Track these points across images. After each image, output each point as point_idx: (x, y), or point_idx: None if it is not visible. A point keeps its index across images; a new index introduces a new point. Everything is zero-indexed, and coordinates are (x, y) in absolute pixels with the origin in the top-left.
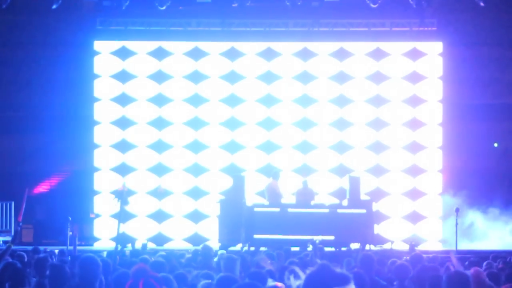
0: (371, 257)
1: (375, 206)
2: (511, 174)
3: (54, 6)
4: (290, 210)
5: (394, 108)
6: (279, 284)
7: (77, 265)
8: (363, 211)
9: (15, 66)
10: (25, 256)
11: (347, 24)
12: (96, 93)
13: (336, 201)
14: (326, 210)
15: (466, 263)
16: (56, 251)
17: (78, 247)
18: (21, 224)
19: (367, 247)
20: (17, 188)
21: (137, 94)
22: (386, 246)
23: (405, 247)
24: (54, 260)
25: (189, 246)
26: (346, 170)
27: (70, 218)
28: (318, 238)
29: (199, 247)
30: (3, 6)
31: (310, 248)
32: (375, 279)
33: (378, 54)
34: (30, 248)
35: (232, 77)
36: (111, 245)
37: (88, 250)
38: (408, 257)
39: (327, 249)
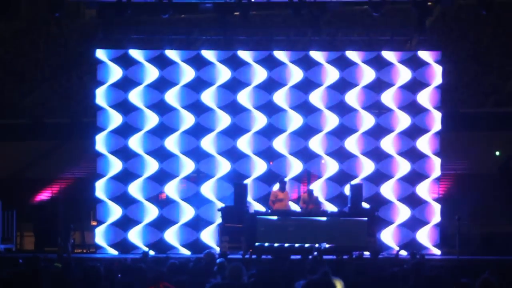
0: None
1: (377, 214)
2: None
3: (56, 14)
4: (292, 218)
5: (394, 116)
6: None
7: (79, 272)
8: (365, 219)
9: (18, 74)
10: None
11: (348, 33)
12: (98, 101)
13: (335, 208)
14: (328, 218)
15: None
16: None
17: (80, 255)
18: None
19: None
20: (19, 196)
21: (139, 102)
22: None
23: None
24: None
25: (189, 254)
26: (346, 177)
27: (72, 226)
28: (324, 245)
29: (202, 255)
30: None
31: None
32: None
33: (378, 62)
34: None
35: (234, 85)
36: (112, 252)
37: (89, 258)
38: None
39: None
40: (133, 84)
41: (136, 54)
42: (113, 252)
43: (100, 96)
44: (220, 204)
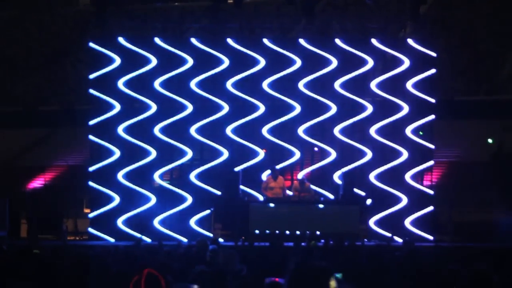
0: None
1: (369, 202)
2: (504, 171)
3: (51, 2)
4: (285, 205)
5: (388, 105)
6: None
7: (69, 260)
8: (357, 206)
9: (12, 62)
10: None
11: (341, 21)
12: (92, 89)
13: (330, 195)
14: (320, 206)
15: None
16: None
17: (72, 242)
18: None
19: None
20: (12, 184)
21: (134, 92)
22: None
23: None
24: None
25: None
26: (340, 164)
27: (64, 213)
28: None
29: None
30: None
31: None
32: None
33: (371, 50)
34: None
35: (227, 72)
36: (106, 240)
37: (82, 245)
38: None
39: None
40: (126, 71)
41: (128, 41)
42: (108, 238)
43: (94, 85)
44: (214, 191)
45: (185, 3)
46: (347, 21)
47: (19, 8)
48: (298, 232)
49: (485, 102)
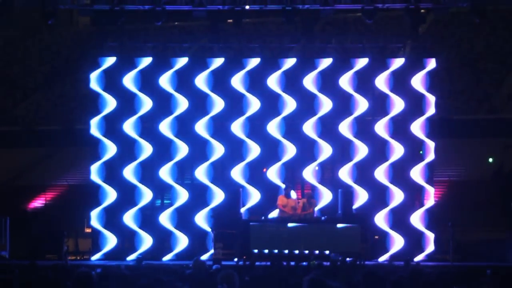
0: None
1: (369, 220)
2: (505, 189)
3: (49, 22)
4: (286, 224)
5: (388, 121)
6: None
7: (71, 280)
8: (358, 225)
9: (11, 82)
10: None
11: (341, 40)
12: (92, 108)
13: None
14: (321, 225)
15: None
16: None
17: (74, 262)
18: None
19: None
20: (12, 203)
21: (133, 109)
22: (383, 260)
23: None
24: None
25: (183, 261)
26: (338, 184)
27: (65, 233)
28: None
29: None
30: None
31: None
32: None
33: (372, 68)
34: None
35: (228, 91)
36: (107, 259)
37: (83, 265)
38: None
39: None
40: (127, 91)
41: (130, 61)
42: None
43: (94, 103)
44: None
45: (184, 23)
46: (346, 41)
47: (19, 28)
48: (298, 252)
49: (486, 121)
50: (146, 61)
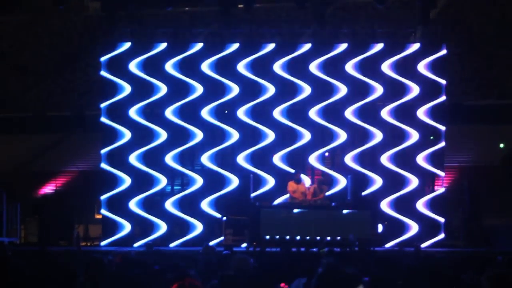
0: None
1: (378, 206)
2: None
3: (61, 7)
4: (296, 210)
5: (398, 109)
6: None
7: (83, 265)
8: (368, 211)
9: (22, 67)
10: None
11: (352, 25)
12: (103, 94)
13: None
14: (331, 211)
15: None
16: None
17: (84, 248)
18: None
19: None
20: (23, 190)
21: (144, 95)
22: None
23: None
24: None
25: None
26: (348, 170)
27: (76, 219)
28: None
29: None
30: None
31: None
32: None
33: (382, 54)
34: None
35: (239, 77)
36: (117, 245)
37: (93, 251)
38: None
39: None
40: (136, 79)
41: (138, 49)
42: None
43: (104, 90)
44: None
45: (195, 8)
46: (357, 26)
47: (29, 14)
48: (308, 238)
49: (496, 106)
50: (158, 47)
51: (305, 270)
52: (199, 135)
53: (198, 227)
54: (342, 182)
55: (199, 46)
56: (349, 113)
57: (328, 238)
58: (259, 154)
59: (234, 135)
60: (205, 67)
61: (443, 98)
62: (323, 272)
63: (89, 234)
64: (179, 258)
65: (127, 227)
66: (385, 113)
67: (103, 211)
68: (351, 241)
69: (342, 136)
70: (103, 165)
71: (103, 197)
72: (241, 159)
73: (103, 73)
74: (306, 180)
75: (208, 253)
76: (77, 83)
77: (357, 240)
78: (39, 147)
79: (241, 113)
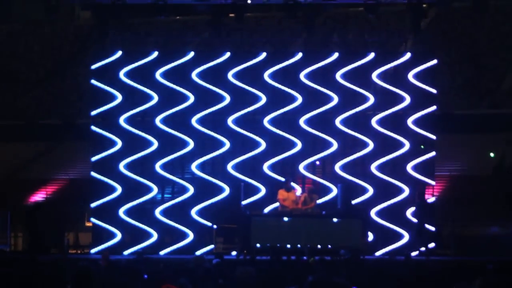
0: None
1: (368, 215)
2: (506, 184)
3: (52, 16)
4: (287, 218)
5: (389, 118)
6: None
7: (71, 273)
8: (359, 220)
9: (12, 75)
10: None
11: (342, 35)
12: (93, 102)
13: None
14: (322, 219)
15: None
16: None
17: (74, 256)
18: None
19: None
20: (13, 197)
21: (135, 103)
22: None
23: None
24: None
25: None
26: (338, 178)
27: (66, 227)
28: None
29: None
30: None
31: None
32: None
33: (373, 64)
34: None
35: (229, 86)
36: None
37: (83, 258)
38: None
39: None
40: (127, 87)
41: (129, 58)
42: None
43: (95, 99)
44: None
45: (186, 17)
46: (348, 35)
47: (20, 23)
48: (299, 246)
49: (487, 116)
50: (149, 56)
51: (295, 278)
52: (190, 144)
53: (189, 235)
54: (332, 190)
55: (190, 54)
56: (339, 122)
57: (319, 246)
58: (249, 163)
59: (225, 144)
60: (196, 75)
61: (433, 107)
62: (313, 281)
63: (79, 242)
64: (169, 266)
65: (117, 235)
66: (375, 122)
67: (93, 219)
68: (343, 256)
69: (333, 145)
70: (94, 173)
71: (93, 205)
72: (231, 167)
73: (94, 81)
74: (297, 189)
75: (199, 264)
76: (68, 91)
77: (348, 254)
78: (30, 155)
79: (231, 121)
